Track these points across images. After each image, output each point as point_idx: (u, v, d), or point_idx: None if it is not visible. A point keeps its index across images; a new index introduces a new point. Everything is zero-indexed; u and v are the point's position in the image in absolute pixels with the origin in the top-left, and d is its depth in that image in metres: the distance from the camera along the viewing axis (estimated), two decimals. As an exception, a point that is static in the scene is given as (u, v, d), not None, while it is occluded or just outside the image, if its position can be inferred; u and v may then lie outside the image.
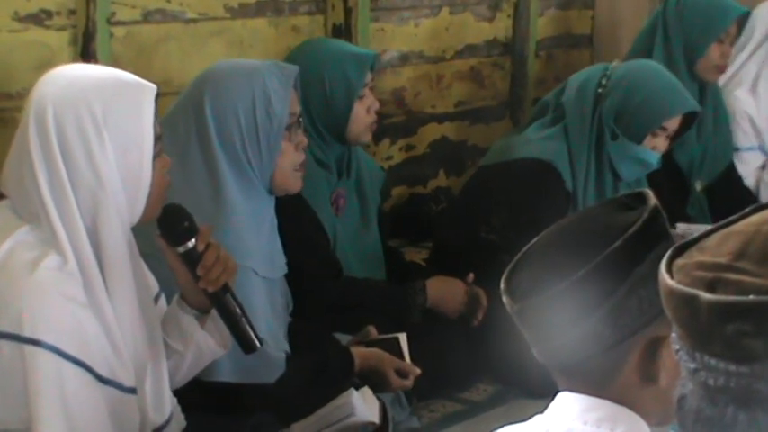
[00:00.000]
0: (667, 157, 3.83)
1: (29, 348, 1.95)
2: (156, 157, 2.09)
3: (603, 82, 3.53)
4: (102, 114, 2.02)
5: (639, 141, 3.48)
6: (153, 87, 2.11)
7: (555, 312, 1.46)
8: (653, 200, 1.53)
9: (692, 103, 3.55)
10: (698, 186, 4.16)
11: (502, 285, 1.54)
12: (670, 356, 1.42)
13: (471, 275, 3.36)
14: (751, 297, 0.95)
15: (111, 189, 2.02)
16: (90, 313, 2.02)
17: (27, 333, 1.95)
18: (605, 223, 1.52)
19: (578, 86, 3.59)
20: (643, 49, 4.12)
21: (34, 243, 2.01)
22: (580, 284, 1.44)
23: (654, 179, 3.60)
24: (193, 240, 2.17)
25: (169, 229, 2.18)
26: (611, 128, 3.48)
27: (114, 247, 2.04)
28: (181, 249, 2.18)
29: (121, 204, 2.05)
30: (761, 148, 4.40)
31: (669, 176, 3.97)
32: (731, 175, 4.28)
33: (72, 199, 2.00)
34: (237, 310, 2.22)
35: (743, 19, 4.16)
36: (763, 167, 4.43)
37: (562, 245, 1.53)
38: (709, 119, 4.18)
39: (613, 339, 1.45)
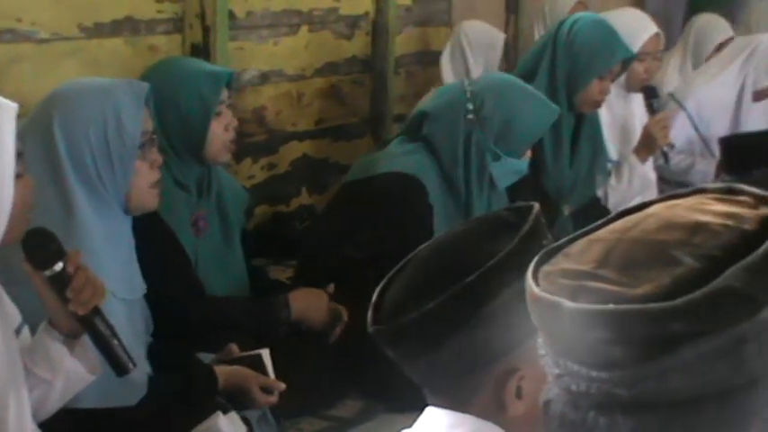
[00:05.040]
0: (536, 182, 3.90)
1: None
2: (18, 176, 2.05)
3: (470, 107, 3.57)
4: None
5: (519, 156, 3.59)
6: (14, 106, 2.08)
7: (408, 339, 1.48)
8: (529, 223, 1.54)
9: (555, 108, 3.66)
10: (566, 211, 4.23)
11: (372, 301, 1.54)
12: (528, 384, 1.44)
13: (332, 286, 3.36)
14: (610, 306, 0.96)
15: None
16: None
17: None
18: (473, 250, 1.52)
19: (442, 108, 3.61)
20: (529, 70, 4.14)
21: None
22: (431, 316, 1.45)
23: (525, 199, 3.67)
24: (61, 263, 2.13)
25: (35, 253, 2.14)
26: (492, 151, 3.54)
27: None
28: (48, 273, 2.14)
29: None
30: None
31: (537, 199, 4.01)
32: (596, 202, 4.38)
33: None
34: (109, 332, 2.19)
35: (628, 60, 4.20)
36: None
37: (428, 267, 1.54)
38: (585, 149, 4.24)
39: (463, 370, 1.48)
